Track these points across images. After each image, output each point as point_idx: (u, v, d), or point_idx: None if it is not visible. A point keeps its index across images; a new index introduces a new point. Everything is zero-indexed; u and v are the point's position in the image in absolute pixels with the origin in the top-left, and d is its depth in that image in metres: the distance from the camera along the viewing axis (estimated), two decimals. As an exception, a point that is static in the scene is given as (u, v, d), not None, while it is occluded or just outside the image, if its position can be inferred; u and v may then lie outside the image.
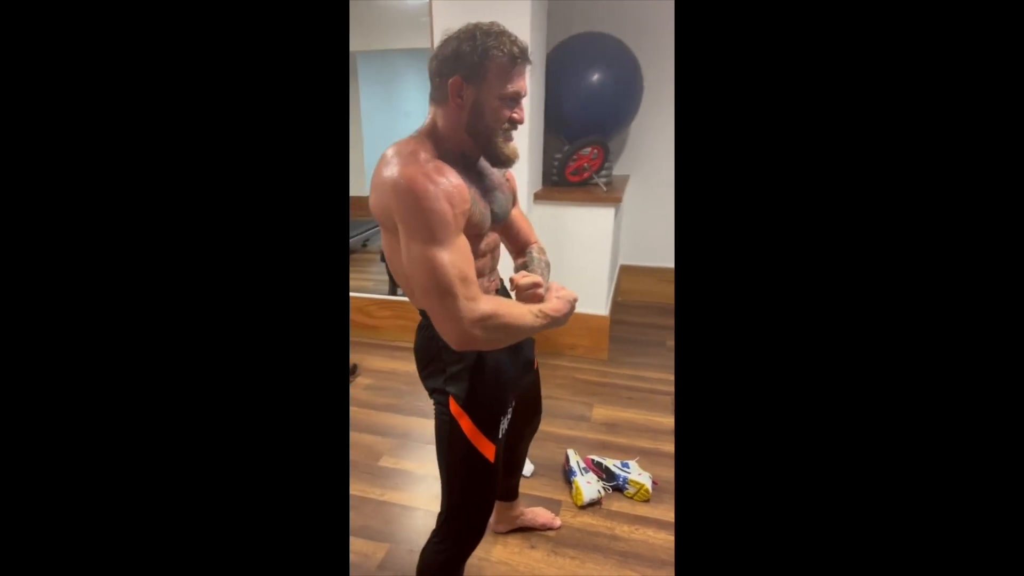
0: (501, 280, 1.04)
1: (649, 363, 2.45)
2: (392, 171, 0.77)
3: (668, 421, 2.01)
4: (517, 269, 1.07)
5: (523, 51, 0.81)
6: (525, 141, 2.18)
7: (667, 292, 3.16)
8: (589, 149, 2.43)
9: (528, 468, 1.73)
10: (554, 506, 1.59)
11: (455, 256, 0.77)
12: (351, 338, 2.72)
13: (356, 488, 1.67)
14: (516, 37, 0.82)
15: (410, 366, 1.51)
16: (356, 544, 1.46)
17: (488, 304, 0.79)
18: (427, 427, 1.99)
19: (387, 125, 3.51)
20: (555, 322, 0.89)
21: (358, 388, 2.28)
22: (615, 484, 1.63)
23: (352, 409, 2.13)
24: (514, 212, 1.07)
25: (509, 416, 1.02)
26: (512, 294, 0.98)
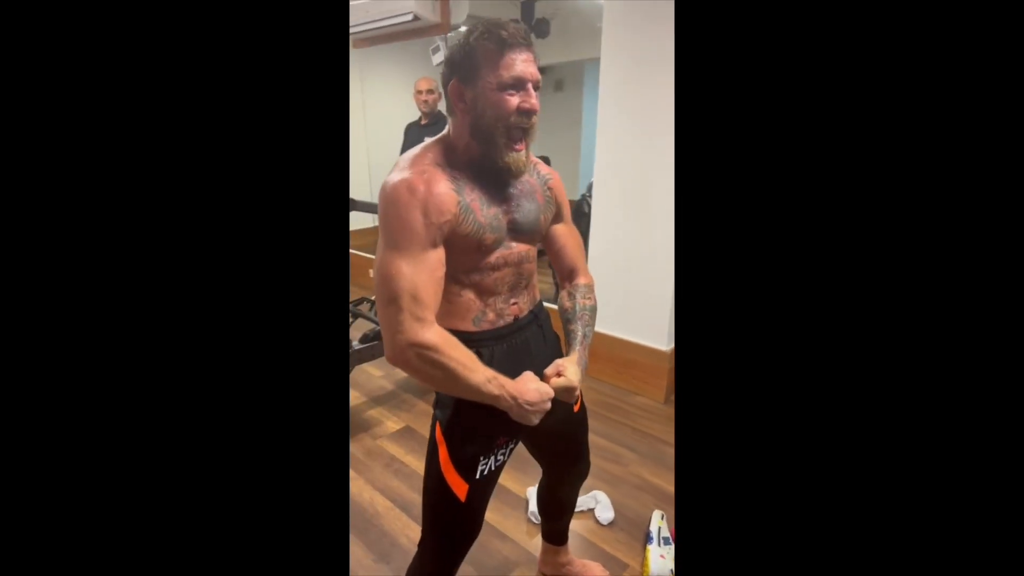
0: (538, 308, 0.94)
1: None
2: (389, 176, 0.78)
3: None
4: (559, 307, 0.99)
5: (513, 34, 0.74)
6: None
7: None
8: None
9: (607, 515, 1.56)
10: (616, 567, 1.40)
11: (414, 269, 0.74)
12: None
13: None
14: (510, 23, 0.76)
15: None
16: (411, 529, 1.52)
17: (434, 335, 0.75)
18: (529, 440, 1.95)
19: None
20: (516, 407, 0.80)
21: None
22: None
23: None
24: (559, 228, 0.97)
25: (500, 458, 0.93)
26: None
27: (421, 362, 0.75)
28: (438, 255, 0.77)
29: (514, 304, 0.89)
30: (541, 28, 3.52)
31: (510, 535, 1.51)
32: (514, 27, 0.76)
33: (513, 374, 0.83)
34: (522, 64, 0.75)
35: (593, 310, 0.98)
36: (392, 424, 2.09)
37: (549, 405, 0.83)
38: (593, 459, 1.93)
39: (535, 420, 0.82)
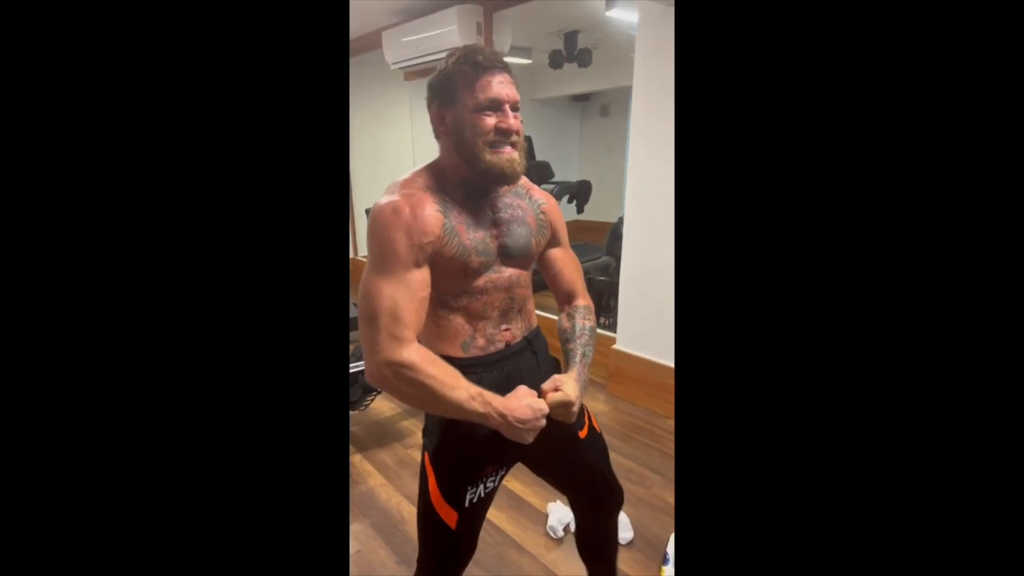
0: (532, 335, 0.93)
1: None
2: (380, 199, 0.81)
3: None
4: (558, 329, 0.98)
5: (488, 58, 0.79)
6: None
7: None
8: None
9: (626, 535, 1.56)
10: (631, 586, 1.40)
11: (394, 289, 0.75)
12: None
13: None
14: (483, 47, 0.80)
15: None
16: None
17: (412, 353, 0.75)
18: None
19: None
20: (506, 425, 0.77)
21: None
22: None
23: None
24: (555, 253, 0.98)
25: (489, 486, 0.92)
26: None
27: (398, 380, 0.75)
28: (421, 276, 0.78)
29: (506, 330, 0.88)
30: (583, 58, 3.62)
31: (528, 548, 1.54)
32: (490, 51, 0.80)
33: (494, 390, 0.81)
34: (498, 86, 0.78)
35: (592, 331, 0.97)
36: (419, 434, 2.17)
37: (543, 422, 0.80)
38: (619, 478, 1.93)
39: (529, 438, 0.80)
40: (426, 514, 0.91)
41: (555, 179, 3.86)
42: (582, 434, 0.99)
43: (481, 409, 0.77)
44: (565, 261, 0.99)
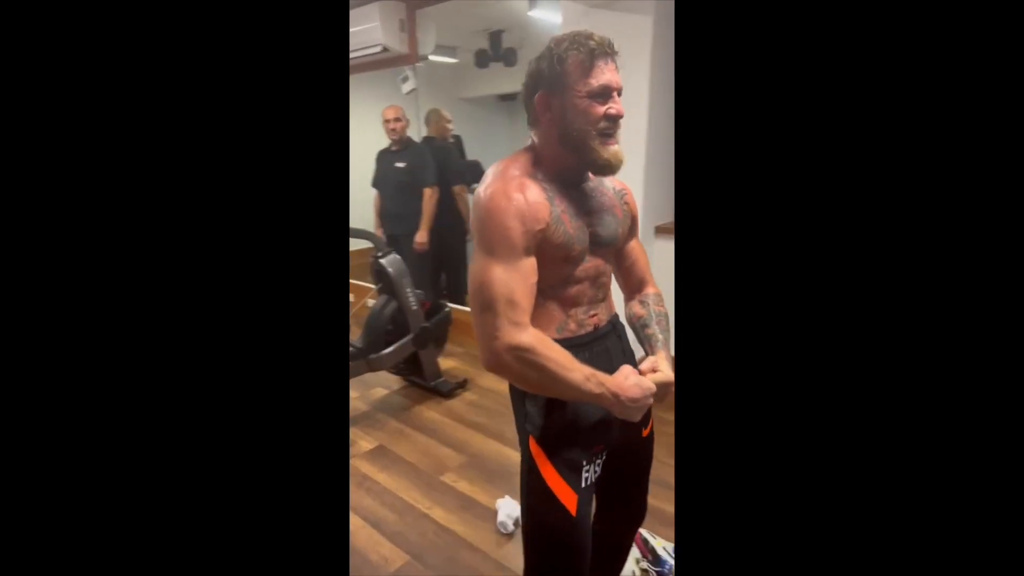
0: (615, 319, 0.96)
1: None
2: (482, 188, 0.80)
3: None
4: (629, 316, 0.99)
5: (601, 44, 0.77)
6: (641, 160, 2.05)
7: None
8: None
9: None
10: None
11: (509, 275, 0.76)
12: (471, 351, 2.87)
13: (409, 495, 1.77)
14: (593, 33, 0.78)
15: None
16: (382, 546, 1.55)
17: (531, 337, 0.75)
18: (502, 453, 1.99)
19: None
20: (618, 405, 0.78)
21: (462, 402, 2.40)
22: (660, 572, 1.39)
23: (445, 420, 2.25)
24: (632, 244, 0.99)
25: (596, 469, 0.91)
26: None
27: (520, 364, 0.75)
28: (531, 263, 0.78)
29: (593, 315, 0.90)
30: (509, 57, 3.65)
31: (479, 546, 1.54)
32: (600, 37, 0.78)
33: (589, 360, 0.82)
34: (610, 72, 0.78)
35: (667, 317, 0.97)
36: (365, 444, 2.11)
37: (652, 400, 0.82)
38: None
39: (637, 416, 0.81)
40: (541, 506, 0.87)
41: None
42: (645, 432, 1.01)
43: (596, 390, 0.77)
44: (639, 252, 1.01)
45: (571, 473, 0.86)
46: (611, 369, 0.83)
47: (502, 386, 2.54)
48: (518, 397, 0.90)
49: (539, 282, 0.81)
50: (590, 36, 0.78)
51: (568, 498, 0.86)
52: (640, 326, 0.97)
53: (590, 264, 0.87)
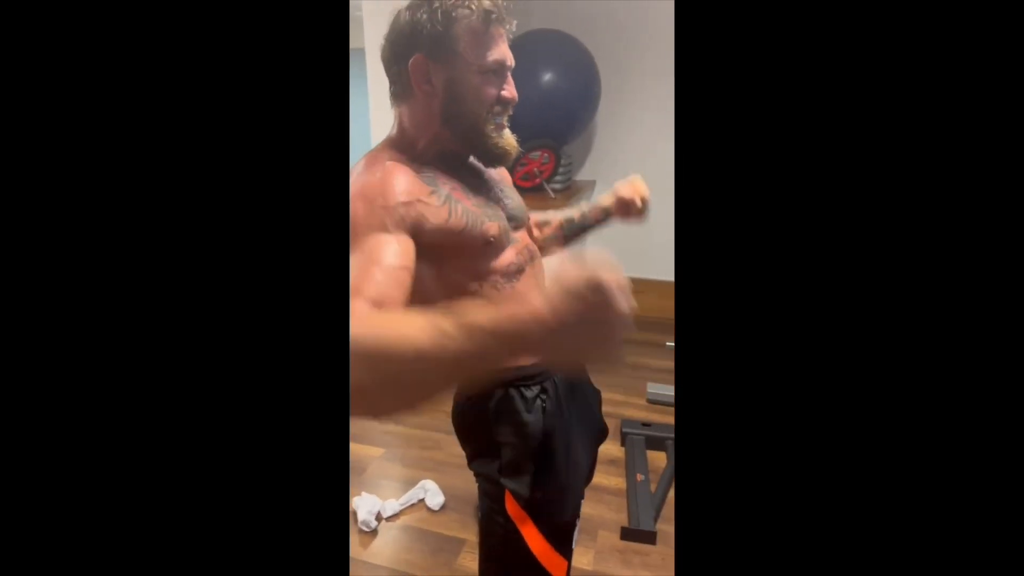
0: None
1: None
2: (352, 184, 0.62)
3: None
4: (545, 240, 0.89)
5: (499, 7, 0.62)
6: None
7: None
8: (539, 154, 2.30)
9: (437, 500, 1.60)
10: (454, 546, 1.46)
11: (355, 259, 0.56)
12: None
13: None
14: None
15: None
16: None
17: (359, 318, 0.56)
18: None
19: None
20: (502, 343, 0.44)
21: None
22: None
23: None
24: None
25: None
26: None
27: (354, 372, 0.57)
28: (393, 241, 0.58)
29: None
30: None
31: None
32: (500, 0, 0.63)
33: (571, 402, 0.72)
34: (504, 47, 0.63)
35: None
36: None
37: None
38: (413, 450, 1.95)
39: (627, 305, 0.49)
40: None
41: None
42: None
43: (463, 344, 0.45)
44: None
45: (564, 538, 0.72)
46: (580, 391, 0.75)
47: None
48: (477, 434, 0.74)
49: (462, 282, 0.66)
50: None
51: (559, 568, 0.72)
52: (567, 225, 0.93)
53: (521, 246, 0.72)
